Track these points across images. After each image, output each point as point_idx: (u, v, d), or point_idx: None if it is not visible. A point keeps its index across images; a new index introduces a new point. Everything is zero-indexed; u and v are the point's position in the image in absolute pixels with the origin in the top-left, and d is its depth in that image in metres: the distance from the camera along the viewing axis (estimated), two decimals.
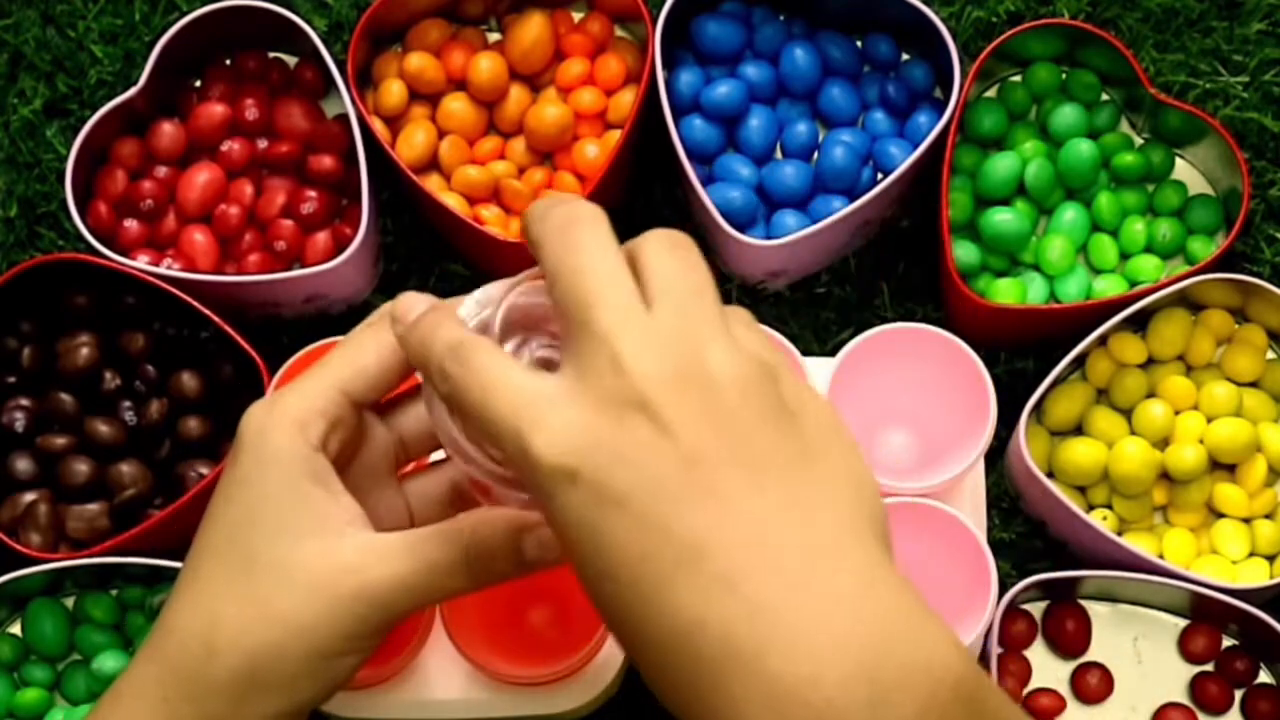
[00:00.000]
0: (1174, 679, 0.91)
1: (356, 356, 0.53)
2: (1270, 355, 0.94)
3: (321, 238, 0.94)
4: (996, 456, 0.93)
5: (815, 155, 0.96)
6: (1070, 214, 0.94)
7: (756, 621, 0.42)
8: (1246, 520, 0.91)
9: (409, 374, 0.54)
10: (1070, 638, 0.90)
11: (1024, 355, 0.96)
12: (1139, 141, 0.97)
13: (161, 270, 0.91)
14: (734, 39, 0.96)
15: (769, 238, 0.93)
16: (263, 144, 0.96)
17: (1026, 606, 0.91)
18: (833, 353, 0.86)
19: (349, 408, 0.53)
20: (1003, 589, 0.87)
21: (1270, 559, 0.90)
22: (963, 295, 0.90)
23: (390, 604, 0.51)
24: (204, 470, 0.90)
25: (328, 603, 0.50)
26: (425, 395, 0.52)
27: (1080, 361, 0.93)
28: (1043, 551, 0.93)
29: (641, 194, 0.99)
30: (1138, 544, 0.88)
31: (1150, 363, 0.93)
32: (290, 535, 0.51)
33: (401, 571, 0.51)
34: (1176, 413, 0.91)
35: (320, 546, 0.51)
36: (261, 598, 0.50)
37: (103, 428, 0.90)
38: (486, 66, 0.95)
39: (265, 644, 0.50)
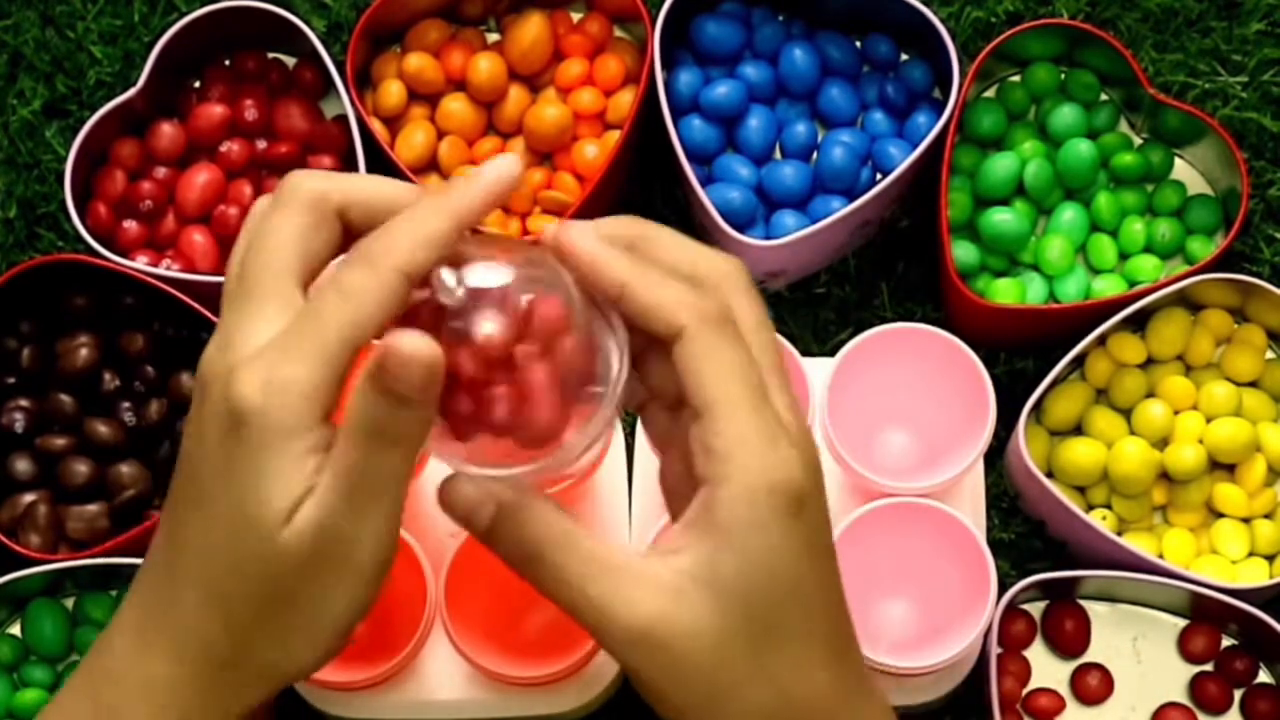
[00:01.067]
0: (1174, 679, 0.91)
1: (360, 309, 0.48)
2: (1270, 355, 0.94)
3: None
4: (996, 456, 0.93)
5: (814, 155, 0.96)
6: (1069, 214, 0.94)
7: None
8: (1246, 520, 0.91)
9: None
10: (1070, 638, 0.90)
11: (1024, 355, 0.96)
12: (1138, 141, 0.97)
13: (161, 271, 0.91)
14: (733, 39, 0.96)
15: (768, 238, 0.93)
16: (262, 144, 0.96)
17: (1026, 606, 0.91)
18: (832, 353, 0.86)
19: (354, 363, 0.48)
20: (1002, 589, 0.87)
21: (1270, 559, 0.90)
22: (962, 295, 0.90)
23: (350, 533, 0.48)
24: None
25: (297, 566, 0.48)
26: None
27: (1080, 361, 0.93)
28: (1042, 551, 0.93)
29: (641, 194, 0.99)
30: (1137, 544, 0.88)
31: (1150, 363, 0.93)
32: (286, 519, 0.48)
33: (338, 490, 0.47)
34: (1176, 413, 0.92)
35: (276, 514, 0.47)
36: (235, 543, 0.48)
37: (102, 428, 0.90)
38: (486, 67, 0.95)
39: (224, 568, 0.48)
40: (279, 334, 0.48)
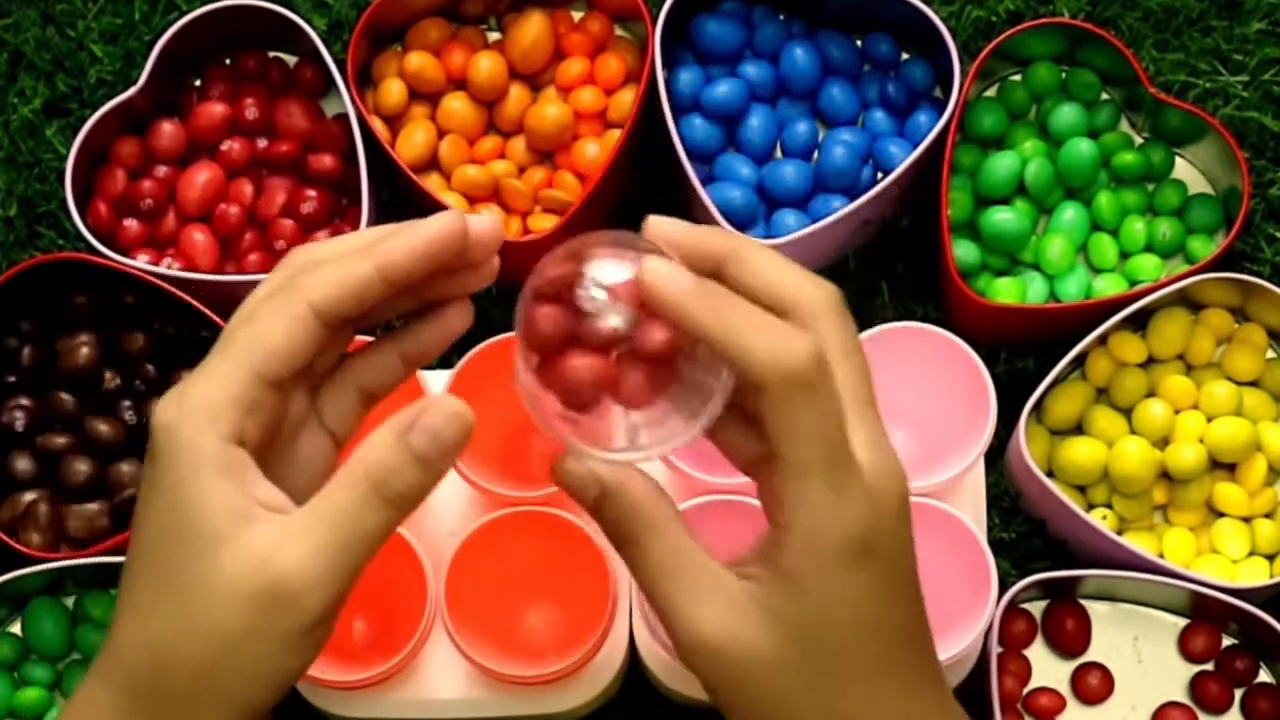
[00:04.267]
0: (1174, 678, 0.91)
1: (264, 335, 0.49)
2: (1270, 354, 0.94)
3: (321, 237, 0.94)
4: (996, 456, 0.93)
5: (815, 155, 0.96)
6: (1070, 213, 0.94)
7: None
8: (1246, 519, 0.91)
9: (324, 344, 0.51)
10: (1070, 637, 0.90)
11: (1024, 355, 0.96)
12: (1139, 141, 0.97)
13: (161, 270, 0.91)
14: (734, 38, 0.96)
15: (769, 237, 0.93)
16: (263, 143, 0.96)
17: (1026, 606, 0.91)
18: None
19: (265, 389, 0.49)
20: (1003, 588, 0.87)
21: (1270, 558, 0.90)
22: (963, 295, 0.90)
23: (315, 580, 0.48)
24: None
25: (249, 605, 0.47)
26: (522, 383, 0.51)
27: (1080, 361, 0.93)
28: (1042, 551, 0.93)
29: (642, 193, 0.99)
30: (1137, 543, 0.88)
31: (1150, 362, 0.93)
32: (207, 542, 0.48)
33: (316, 542, 0.48)
34: (1176, 412, 0.91)
35: (236, 548, 0.48)
36: (192, 614, 0.48)
37: (103, 427, 0.90)
38: (486, 66, 0.95)
39: (206, 659, 0.48)
40: (201, 363, 0.50)
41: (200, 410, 0.48)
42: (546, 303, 0.52)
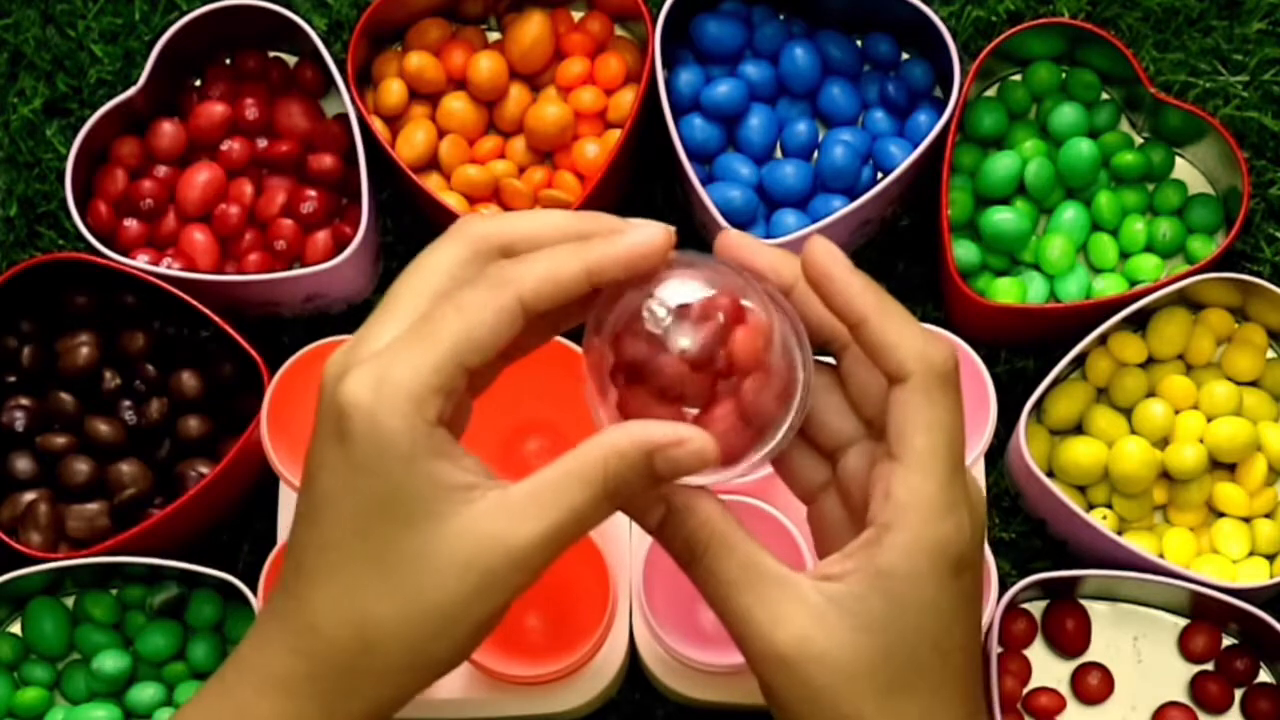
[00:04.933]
0: (1174, 678, 0.91)
1: (475, 327, 0.49)
2: (1270, 354, 0.94)
3: (321, 237, 0.94)
4: (996, 456, 0.93)
5: (815, 155, 0.96)
6: (1070, 213, 0.94)
7: None
8: (1246, 519, 0.91)
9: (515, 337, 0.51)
10: (1070, 637, 0.90)
11: (1024, 355, 0.96)
12: (1139, 141, 0.97)
13: (161, 270, 0.91)
14: (734, 38, 0.96)
15: (769, 237, 0.93)
16: (263, 143, 0.96)
17: (1026, 606, 0.91)
18: None
19: (464, 375, 0.50)
20: (1003, 588, 0.87)
21: (1270, 558, 0.90)
22: (963, 294, 0.90)
23: (541, 561, 0.49)
24: (204, 470, 0.90)
25: (480, 579, 0.49)
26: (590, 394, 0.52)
27: (1080, 361, 0.93)
28: (1043, 551, 0.93)
29: (641, 194, 0.99)
30: (1138, 543, 0.88)
31: (1150, 362, 0.93)
32: (428, 521, 0.49)
33: (546, 526, 0.49)
34: (1176, 412, 0.92)
35: (460, 525, 0.49)
36: (412, 591, 0.49)
37: (103, 427, 0.90)
38: (486, 66, 0.95)
39: (425, 634, 0.49)
40: (395, 339, 0.50)
41: (405, 398, 0.48)
42: (626, 324, 0.53)
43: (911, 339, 0.51)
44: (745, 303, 0.53)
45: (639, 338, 0.52)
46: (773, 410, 0.53)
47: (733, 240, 0.54)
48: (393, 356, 0.49)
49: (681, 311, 0.52)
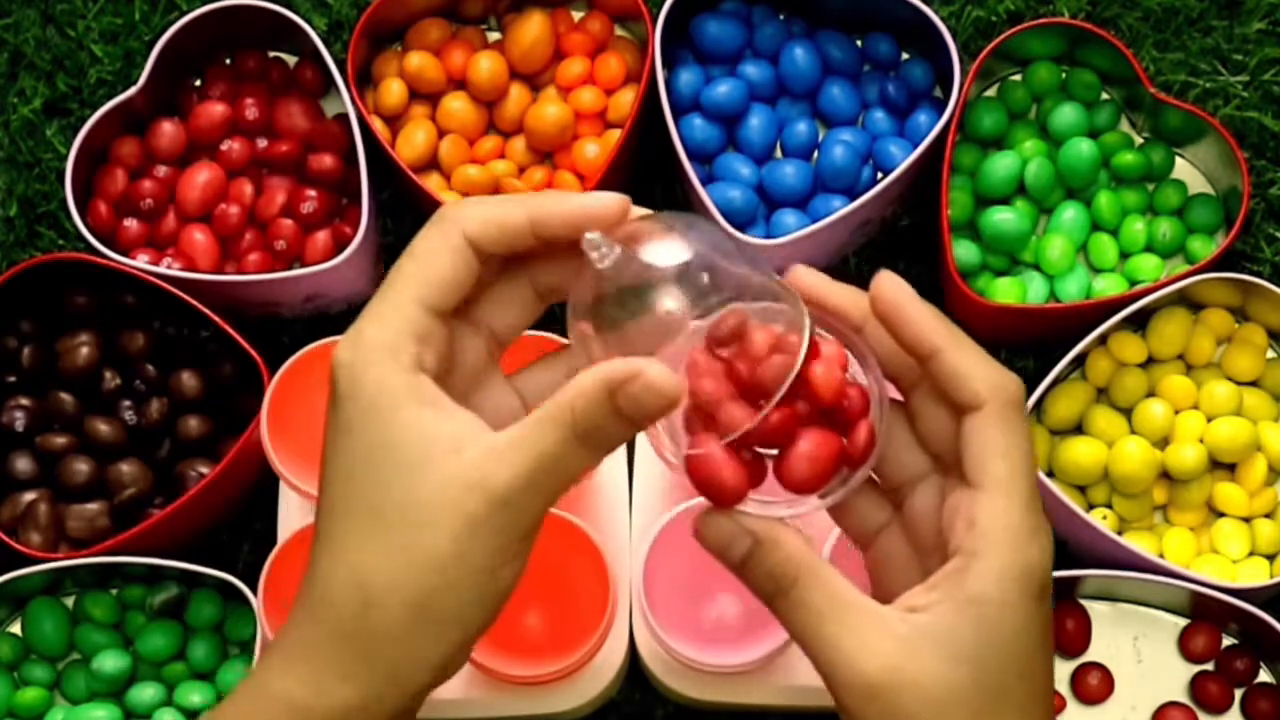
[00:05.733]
0: (1174, 678, 0.91)
1: (428, 267, 0.52)
2: (1270, 355, 0.94)
3: (321, 237, 0.94)
4: None
5: (815, 154, 0.96)
6: (1070, 213, 0.94)
7: None
8: (1246, 519, 0.91)
9: (479, 276, 0.52)
10: (1070, 637, 0.90)
11: (1024, 355, 0.96)
12: (1139, 141, 0.97)
13: (161, 270, 0.91)
14: (734, 38, 0.96)
15: (769, 237, 0.93)
16: (263, 143, 0.96)
17: None
18: None
19: (434, 320, 0.51)
20: None
21: (1270, 558, 0.90)
22: (963, 294, 0.90)
23: (524, 504, 0.49)
24: (204, 470, 0.90)
25: (466, 525, 0.49)
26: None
27: (1080, 361, 0.93)
28: None
29: (642, 193, 0.99)
30: (1138, 543, 0.88)
31: (1150, 362, 0.93)
32: (411, 470, 0.49)
33: (522, 468, 0.49)
34: (1176, 412, 0.91)
35: (444, 471, 0.49)
36: (401, 544, 0.49)
37: (103, 427, 0.90)
38: (486, 66, 0.95)
39: (422, 588, 0.49)
40: (369, 304, 0.52)
41: (378, 347, 0.50)
42: (705, 358, 0.54)
43: (985, 368, 0.52)
44: (821, 334, 0.54)
45: (724, 370, 0.53)
46: (859, 442, 0.53)
47: (804, 278, 0.55)
48: (366, 316, 0.51)
49: (807, 365, 0.52)
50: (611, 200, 0.52)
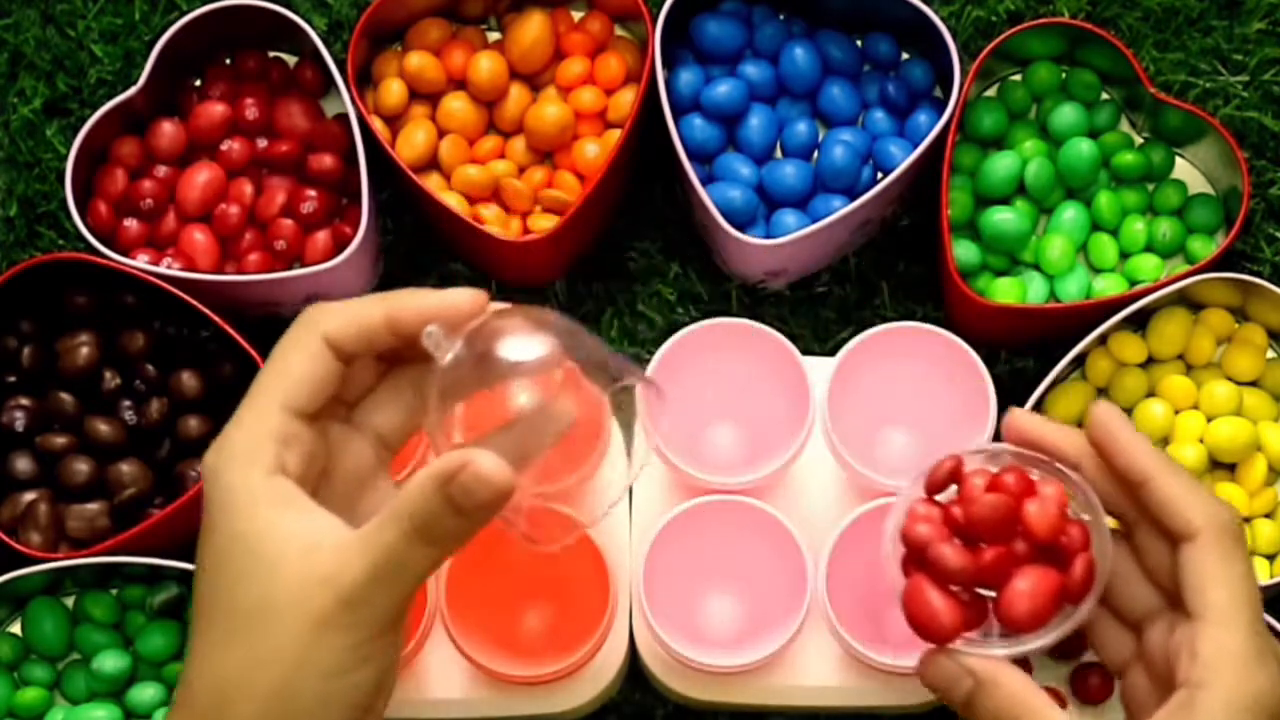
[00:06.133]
0: None
1: (288, 370, 0.53)
2: (1270, 355, 0.94)
3: (321, 237, 0.94)
4: None
5: (815, 154, 0.96)
6: (1070, 213, 0.94)
7: None
8: (1247, 520, 0.91)
9: (342, 376, 0.53)
10: (1070, 637, 0.90)
11: (1024, 355, 0.96)
12: (1139, 141, 0.97)
13: (161, 270, 0.91)
14: (734, 38, 0.96)
15: (769, 237, 0.93)
16: (263, 143, 0.96)
17: None
18: (833, 352, 0.86)
19: (297, 422, 0.52)
20: None
21: (1270, 559, 0.90)
22: (963, 295, 0.90)
23: (373, 602, 0.50)
24: None
25: (314, 625, 0.49)
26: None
27: (1080, 361, 0.93)
28: None
29: (642, 193, 0.99)
30: None
31: (1150, 362, 0.93)
32: (267, 569, 0.50)
33: (368, 566, 0.49)
34: (1176, 412, 0.91)
35: (296, 570, 0.50)
36: (254, 643, 0.49)
37: (103, 427, 0.90)
38: (486, 66, 0.95)
39: (272, 688, 0.49)
40: (238, 407, 0.53)
41: (239, 451, 0.51)
42: (923, 505, 0.58)
43: (1196, 496, 0.53)
44: (1033, 475, 0.56)
45: (928, 521, 0.56)
46: (1077, 576, 0.55)
47: (1021, 422, 0.57)
48: (232, 419, 0.53)
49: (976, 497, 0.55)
50: (465, 296, 0.53)
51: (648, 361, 0.83)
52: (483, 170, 0.94)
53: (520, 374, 0.52)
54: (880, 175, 0.94)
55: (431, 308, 0.53)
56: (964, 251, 0.93)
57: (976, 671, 0.54)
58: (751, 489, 0.82)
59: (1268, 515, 0.91)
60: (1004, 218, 0.93)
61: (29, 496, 0.90)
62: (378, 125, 0.94)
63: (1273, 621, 0.86)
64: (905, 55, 0.97)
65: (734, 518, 0.82)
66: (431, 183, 0.94)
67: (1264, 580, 0.88)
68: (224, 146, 0.96)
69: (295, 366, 0.53)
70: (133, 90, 0.93)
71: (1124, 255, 0.95)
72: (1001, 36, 0.94)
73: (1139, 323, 0.93)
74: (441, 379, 0.52)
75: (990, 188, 0.94)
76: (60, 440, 0.90)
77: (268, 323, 0.95)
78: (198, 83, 0.98)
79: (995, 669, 0.54)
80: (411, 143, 0.94)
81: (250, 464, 0.51)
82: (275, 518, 0.50)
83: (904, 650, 0.81)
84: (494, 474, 0.49)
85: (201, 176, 0.95)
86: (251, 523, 0.50)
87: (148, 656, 0.89)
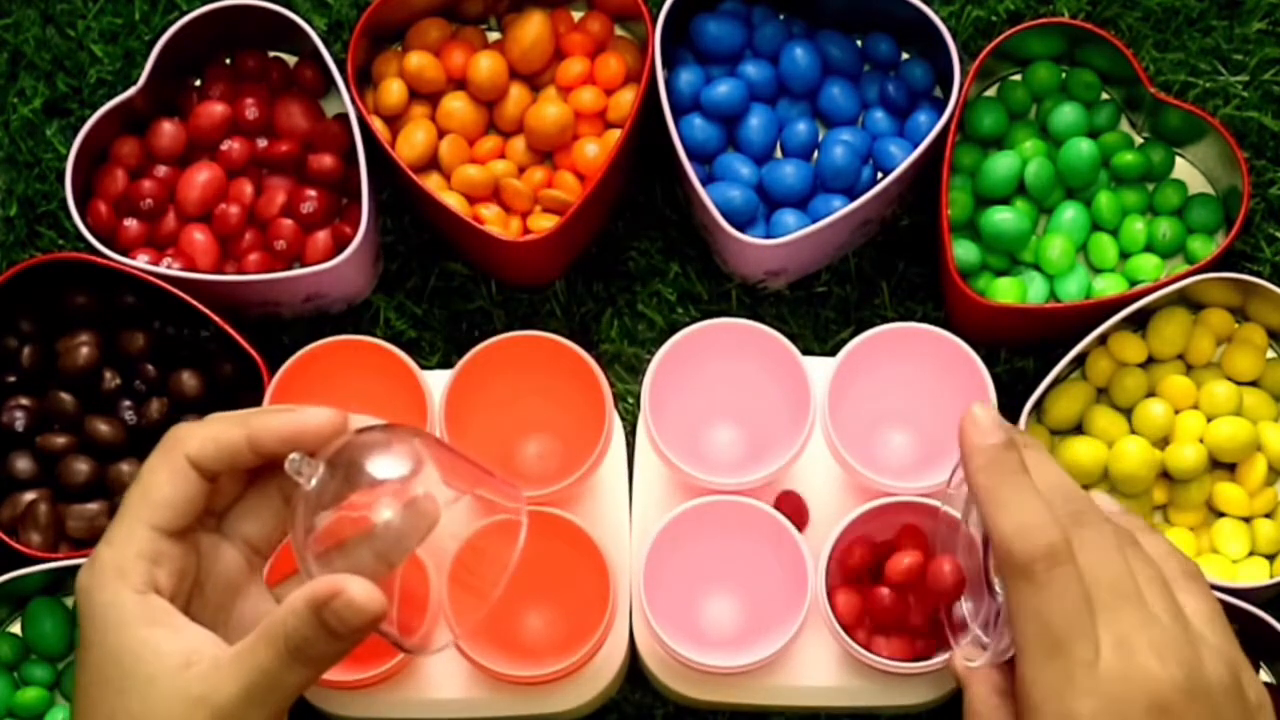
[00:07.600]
0: None
1: (153, 490, 0.54)
2: (1270, 354, 0.94)
3: (321, 237, 0.94)
4: None
5: (815, 154, 0.96)
6: (1070, 213, 0.94)
7: None
8: (1246, 519, 0.91)
9: (208, 493, 0.55)
10: None
11: (1024, 355, 0.96)
12: (1139, 141, 0.97)
13: (161, 270, 0.91)
14: (734, 38, 0.96)
15: (769, 237, 0.93)
16: (263, 143, 0.96)
17: None
18: (833, 352, 0.86)
19: (166, 540, 0.54)
20: None
21: (1270, 558, 0.90)
22: (963, 295, 0.90)
23: (244, 719, 0.51)
24: None
25: None
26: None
27: (1080, 361, 0.93)
28: None
29: (642, 193, 0.99)
30: None
31: (1150, 362, 0.93)
32: (145, 686, 0.51)
33: (241, 686, 0.51)
34: (1176, 412, 0.91)
35: (171, 687, 0.51)
36: None
37: (103, 427, 0.90)
38: (486, 66, 0.95)
39: None
40: (109, 525, 0.55)
41: (109, 570, 0.53)
42: (948, 554, 0.69)
43: (1007, 524, 0.55)
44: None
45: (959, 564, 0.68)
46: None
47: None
48: (103, 539, 0.54)
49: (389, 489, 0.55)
50: (323, 417, 0.55)
51: (648, 362, 0.84)
52: (483, 170, 0.94)
53: (381, 492, 0.54)
54: (880, 175, 0.94)
55: (292, 429, 0.54)
56: (964, 251, 0.93)
57: (958, 675, 0.59)
58: (751, 489, 0.82)
59: (1268, 515, 0.91)
60: (1004, 218, 0.93)
61: (29, 496, 0.90)
62: (378, 125, 0.94)
63: (1270, 620, 0.86)
64: (905, 55, 0.97)
65: (734, 518, 0.82)
66: (431, 183, 0.94)
67: (1264, 580, 0.88)
68: (224, 146, 0.96)
69: (160, 487, 0.54)
70: (133, 90, 0.93)
71: (1124, 255, 0.95)
72: (1001, 36, 0.94)
73: (1139, 323, 0.93)
74: (305, 500, 0.54)
75: (990, 188, 0.94)
76: (60, 440, 0.90)
77: (268, 323, 0.95)
78: (198, 83, 0.98)
79: (965, 674, 0.59)
80: (411, 143, 0.94)
81: (121, 583, 0.52)
82: (148, 636, 0.52)
83: (902, 651, 0.81)
84: (367, 601, 0.51)
85: (201, 176, 0.95)
86: (125, 641, 0.52)
87: None
